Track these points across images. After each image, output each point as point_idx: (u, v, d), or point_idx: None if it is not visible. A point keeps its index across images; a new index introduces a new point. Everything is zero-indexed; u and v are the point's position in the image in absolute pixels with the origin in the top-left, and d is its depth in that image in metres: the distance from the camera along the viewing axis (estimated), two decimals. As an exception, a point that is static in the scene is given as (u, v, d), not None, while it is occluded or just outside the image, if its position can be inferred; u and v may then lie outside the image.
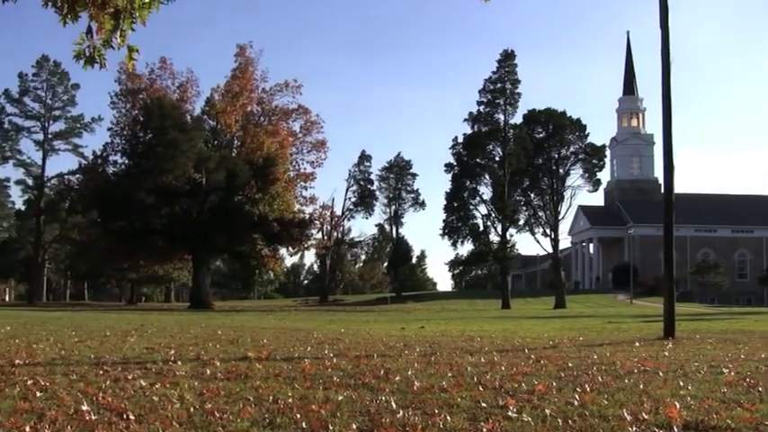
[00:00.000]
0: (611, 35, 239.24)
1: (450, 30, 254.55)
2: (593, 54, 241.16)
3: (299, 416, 7.08)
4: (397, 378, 9.87)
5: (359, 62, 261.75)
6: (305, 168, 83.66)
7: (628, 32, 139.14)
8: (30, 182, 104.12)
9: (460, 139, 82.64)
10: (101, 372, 10.49)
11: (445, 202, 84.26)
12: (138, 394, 8.41)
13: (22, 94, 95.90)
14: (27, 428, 6.58)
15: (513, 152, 78.87)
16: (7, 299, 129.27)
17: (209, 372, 10.55)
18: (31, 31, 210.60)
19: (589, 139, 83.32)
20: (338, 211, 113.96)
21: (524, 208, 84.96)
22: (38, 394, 8.30)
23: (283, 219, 73.87)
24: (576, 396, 8.28)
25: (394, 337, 20.00)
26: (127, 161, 74.99)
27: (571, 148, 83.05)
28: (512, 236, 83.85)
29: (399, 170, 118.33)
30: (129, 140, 75.47)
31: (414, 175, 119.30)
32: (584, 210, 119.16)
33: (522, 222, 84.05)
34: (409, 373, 10.53)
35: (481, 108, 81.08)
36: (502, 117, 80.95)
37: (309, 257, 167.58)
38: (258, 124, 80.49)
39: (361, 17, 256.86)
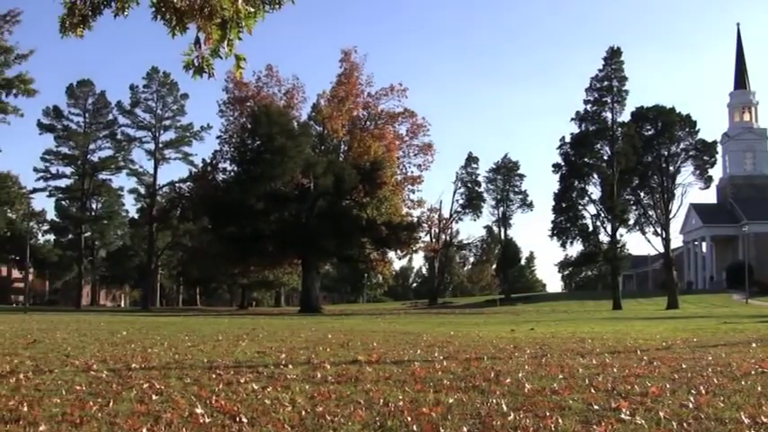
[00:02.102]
0: (720, 28, 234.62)
1: (556, 28, 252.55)
2: (701, 48, 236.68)
3: (409, 419, 7.08)
4: (508, 380, 9.80)
5: (463, 64, 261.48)
6: (412, 171, 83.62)
7: (738, 25, 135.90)
8: (142, 190, 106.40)
9: (568, 139, 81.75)
10: (214, 375, 10.63)
11: (553, 203, 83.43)
12: (251, 397, 8.50)
13: (134, 106, 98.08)
14: (144, 430, 6.70)
15: (622, 151, 77.67)
16: (122, 304, 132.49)
17: (319, 375, 10.60)
18: (140, 43, 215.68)
19: (699, 135, 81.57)
20: (446, 214, 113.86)
21: (634, 207, 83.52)
22: (153, 397, 8.45)
23: (391, 222, 73.95)
24: (691, 398, 8.12)
25: (504, 339, 19.87)
26: (236, 168, 75.99)
27: (681, 145, 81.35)
28: (622, 236, 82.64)
29: (507, 171, 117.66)
30: (238, 148, 76.43)
31: (521, 176, 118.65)
32: (695, 208, 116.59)
33: (632, 222, 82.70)
34: (520, 375, 10.45)
35: (588, 107, 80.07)
36: (609, 115, 79.80)
37: (418, 260, 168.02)
38: (364, 128, 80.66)
39: (465, 18, 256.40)
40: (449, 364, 12.13)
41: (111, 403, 7.92)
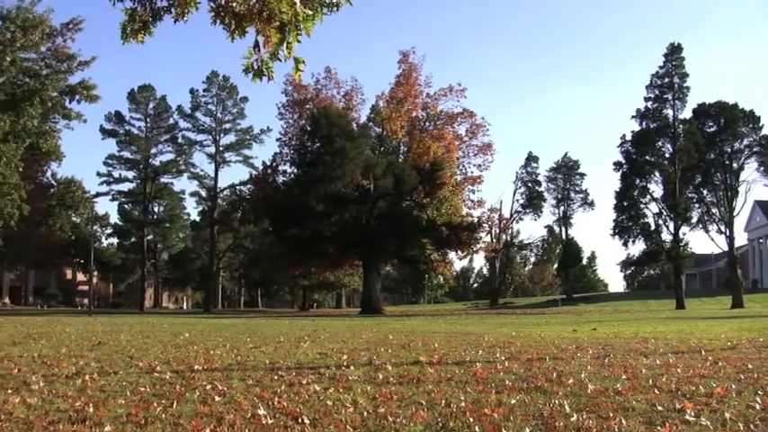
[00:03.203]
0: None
1: (613, 25, 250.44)
2: (763, 43, 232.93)
3: (471, 420, 7.07)
4: (570, 381, 9.76)
5: (521, 62, 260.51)
6: (472, 172, 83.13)
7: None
8: (203, 193, 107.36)
9: (628, 137, 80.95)
10: (276, 377, 10.69)
11: (615, 201, 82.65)
12: (313, 399, 8.54)
13: (194, 110, 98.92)
14: (207, 431, 6.78)
15: (684, 148, 76.75)
16: (184, 306, 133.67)
17: (381, 376, 10.62)
18: (200, 48, 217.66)
19: (763, 131, 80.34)
20: (506, 214, 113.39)
21: (697, 205, 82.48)
22: (216, 398, 8.53)
23: (452, 223, 73.75)
24: (758, 399, 8.02)
25: (566, 339, 19.76)
26: (296, 170, 76.21)
27: (745, 141, 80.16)
28: (684, 234, 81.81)
29: (567, 170, 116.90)
30: (298, 150, 76.68)
31: (582, 175, 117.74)
32: (760, 205, 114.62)
33: (695, 220, 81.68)
34: (582, 375, 10.39)
35: (649, 104, 79.18)
36: (671, 112, 78.85)
37: (478, 261, 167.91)
38: (424, 129, 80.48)
39: (523, 17, 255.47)
40: (511, 365, 12.10)
41: (174, 404, 8.01)
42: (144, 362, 13.04)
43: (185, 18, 6.99)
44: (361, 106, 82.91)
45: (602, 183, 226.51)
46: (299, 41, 6.71)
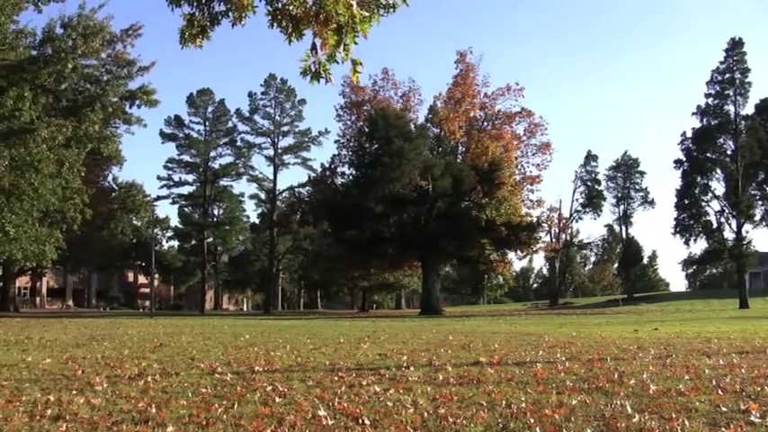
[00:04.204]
0: None
1: (669, 21, 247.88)
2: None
3: (532, 420, 7.05)
4: (632, 381, 9.68)
5: (578, 60, 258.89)
6: (530, 171, 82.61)
7: None
8: (262, 196, 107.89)
9: (689, 134, 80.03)
10: (336, 378, 10.72)
11: (675, 200, 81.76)
12: (373, 399, 8.56)
13: (253, 113, 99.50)
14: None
15: (746, 144, 75.70)
16: (244, 308, 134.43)
17: (441, 377, 10.62)
18: (258, 51, 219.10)
19: (829, 126, 79.01)
20: (566, 213, 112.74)
21: (760, 202, 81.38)
22: (277, 400, 8.58)
23: (511, 223, 73.43)
24: (825, 399, 7.90)
25: (627, 339, 19.60)
26: (354, 172, 76.34)
27: (809, 137, 78.97)
28: (747, 232, 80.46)
29: (627, 169, 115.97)
30: (356, 151, 76.81)
31: (642, 173, 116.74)
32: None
33: (758, 217, 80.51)
34: (644, 376, 10.31)
35: (709, 100, 78.17)
36: (732, 108, 77.75)
37: (538, 261, 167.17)
38: (482, 129, 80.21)
39: (575, 13, 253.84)
40: (571, 366, 12.04)
41: (235, 405, 8.07)
42: (205, 363, 13.16)
43: (243, 22, 7.04)
44: (419, 107, 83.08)
45: (663, 181, 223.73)
46: (356, 43, 6.72)
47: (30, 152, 38.50)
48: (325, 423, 7.09)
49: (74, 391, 9.32)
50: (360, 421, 7.17)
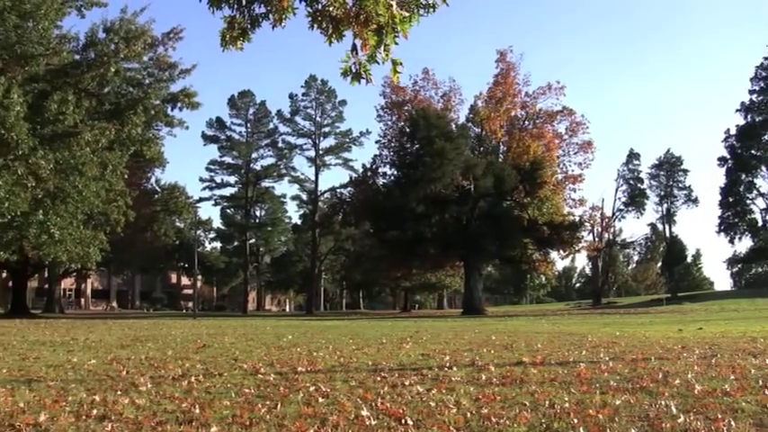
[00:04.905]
0: None
1: (712, 16, 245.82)
2: None
3: (576, 420, 7.02)
4: (677, 381, 9.62)
5: (619, 58, 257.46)
6: (572, 170, 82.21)
7: None
8: (304, 197, 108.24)
9: (733, 131, 79.33)
10: (378, 378, 10.73)
11: (720, 198, 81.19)
12: (416, 400, 8.56)
13: (294, 114, 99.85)
14: (311, 432, 6.85)
15: (793, 141, 75.03)
16: (287, 309, 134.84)
17: (484, 377, 10.60)
18: (298, 52, 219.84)
19: None
20: (608, 212, 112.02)
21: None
22: (320, 400, 8.60)
23: (553, 222, 73.14)
24: None
25: (671, 339, 19.47)
26: (396, 172, 76.42)
27: None
28: (794, 230, 79.77)
29: (670, 167, 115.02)
30: (397, 152, 76.88)
31: (685, 171, 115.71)
32: None
33: (805, 215, 79.78)
34: (689, 376, 10.24)
35: (754, 96, 77.49)
36: (777, 104, 77.08)
37: (581, 260, 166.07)
38: (523, 128, 79.99)
39: (615, 10, 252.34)
40: (615, 365, 11.98)
41: (278, 406, 8.09)
42: (248, 364, 13.21)
43: (283, 24, 7.06)
44: (460, 107, 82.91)
45: (707, 178, 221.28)
46: (396, 43, 6.72)
47: (74, 155, 38.85)
48: (368, 423, 7.10)
49: (119, 392, 9.40)
50: (403, 421, 7.17)
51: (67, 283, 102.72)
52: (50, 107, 37.09)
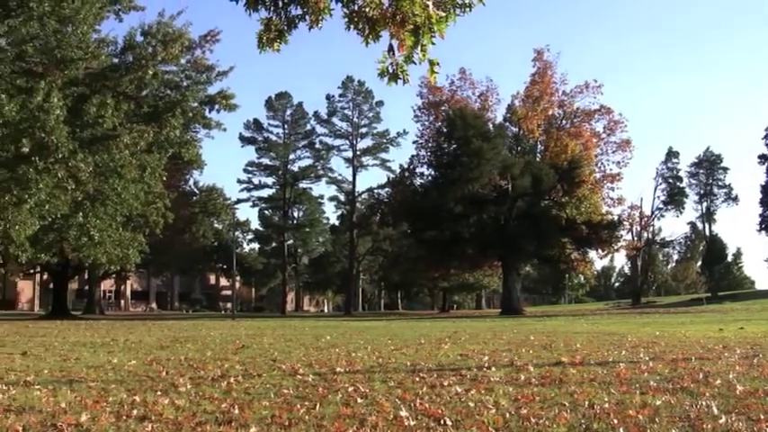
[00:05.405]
0: None
1: (748, 15, 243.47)
2: None
3: (615, 421, 6.99)
4: (718, 382, 9.55)
5: (655, 55, 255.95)
6: (611, 169, 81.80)
7: None
8: (342, 198, 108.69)
9: (773, 128, 78.59)
10: (417, 378, 10.73)
11: (761, 196, 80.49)
12: (454, 400, 8.54)
13: (331, 115, 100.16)
14: (350, 432, 6.86)
15: (834, 138, 74.23)
16: (325, 310, 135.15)
17: (523, 377, 10.58)
18: (334, 53, 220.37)
19: None
20: (647, 211, 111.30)
21: None
22: (359, 400, 8.60)
23: (591, 221, 72.86)
24: None
25: (712, 338, 19.33)
26: (433, 172, 76.47)
27: None
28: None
29: (709, 165, 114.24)
30: (434, 152, 76.92)
31: (725, 169, 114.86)
32: None
33: None
34: (730, 376, 10.16)
35: (794, 93, 76.76)
36: (818, 101, 76.25)
37: (620, 259, 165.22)
38: (561, 127, 79.75)
39: (649, 6, 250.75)
40: (655, 365, 11.92)
41: (317, 406, 8.11)
42: (287, 364, 13.25)
43: (320, 25, 7.08)
44: (497, 106, 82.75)
45: (748, 177, 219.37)
46: (433, 43, 6.72)
47: (113, 158, 39.12)
48: (406, 424, 7.09)
49: (158, 392, 9.45)
50: (441, 422, 7.16)
51: (107, 284, 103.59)
52: (89, 110, 37.32)
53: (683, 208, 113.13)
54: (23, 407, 8.27)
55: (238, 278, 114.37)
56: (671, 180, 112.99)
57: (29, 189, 32.49)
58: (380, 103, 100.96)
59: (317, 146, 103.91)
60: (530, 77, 79.19)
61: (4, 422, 7.38)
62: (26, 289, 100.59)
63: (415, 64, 6.83)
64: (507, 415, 7.44)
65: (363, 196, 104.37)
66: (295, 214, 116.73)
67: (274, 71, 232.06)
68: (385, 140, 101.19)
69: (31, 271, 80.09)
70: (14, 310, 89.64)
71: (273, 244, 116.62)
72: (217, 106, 46.84)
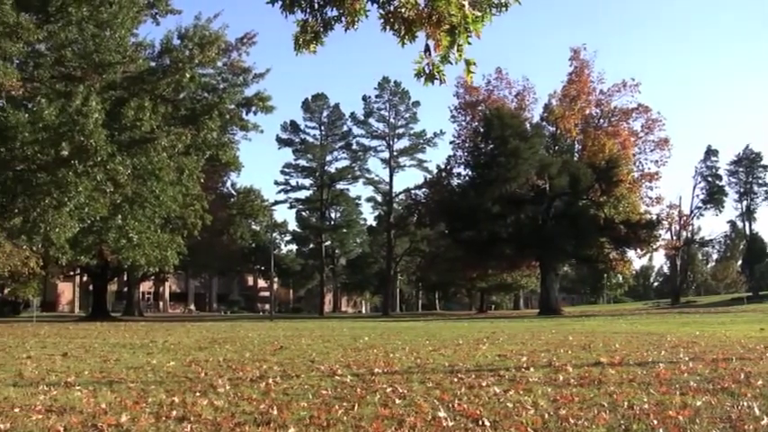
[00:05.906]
0: None
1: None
2: None
3: (655, 422, 6.94)
4: (759, 382, 9.46)
5: (691, 54, 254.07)
6: (649, 168, 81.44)
7: None
8: (379, 198, 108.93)
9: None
10: (455, 379, 10.71)
11: (801, 194, 79.73)
12: (493, 401, 8.52)
13: (367, 116, 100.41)
14: (388, 433, 6.86)
15: None
16: (363, 310, 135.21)
17: (561, 378, 10.53)
18: (371, 54, 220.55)
19: None
20: (686, 210, 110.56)
21: None
22: (397, 401, 8.60)
23: (630, 221, 72.51)
24: None
25: (753, 338, 19.15)
26: (470, 172, 76.41)
27: None
28: None
29: (749, 163, 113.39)
30: (471, 152, 76.87)
31: (765, 167, 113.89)
32: None
33: None
34: (772, 376, 10.07)
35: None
36: None
37: (658, 259, 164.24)
38: (598, 126, 79.50)
39: (690, 9, 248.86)
40: (695, 366, 11.82)
41: (355, 407, 8.11)
42: (325, 365, 13.26)
43: (355, 26, 7.08)
44: (534, 105, 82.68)
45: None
46: (469, 43, 6.69)
47: (151, 161, 39.33)
48: (445, 425, 7.08)
49: (197, 393, 9.49)
50: (480, 423, 7.14)
51: (146, 286, 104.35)
52: (128, 114, 37.55)
53: (723, 206, 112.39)
54: (64, 407, 8.33)
55: (276, 279, 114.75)
56: (710, 178, 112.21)
57: (68, 192, 32.74)
58: (417, 104, 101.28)
59: (354, 147, 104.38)
60: (567, 76, 79.16)
61: (45, 422, 7.45)
62: (66, 291, 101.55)
63: (452, 64, 6.81)
64: (546, 416, 7.41)
65: (400, 197, 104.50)
66: (332, 215, 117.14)
67: (311, 73, 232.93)
68: (422, 141, 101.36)
69: (72, 273, 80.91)
70: (55, 311, 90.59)
71: (311, 245, 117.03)
72: (254, 108, 47.01)
